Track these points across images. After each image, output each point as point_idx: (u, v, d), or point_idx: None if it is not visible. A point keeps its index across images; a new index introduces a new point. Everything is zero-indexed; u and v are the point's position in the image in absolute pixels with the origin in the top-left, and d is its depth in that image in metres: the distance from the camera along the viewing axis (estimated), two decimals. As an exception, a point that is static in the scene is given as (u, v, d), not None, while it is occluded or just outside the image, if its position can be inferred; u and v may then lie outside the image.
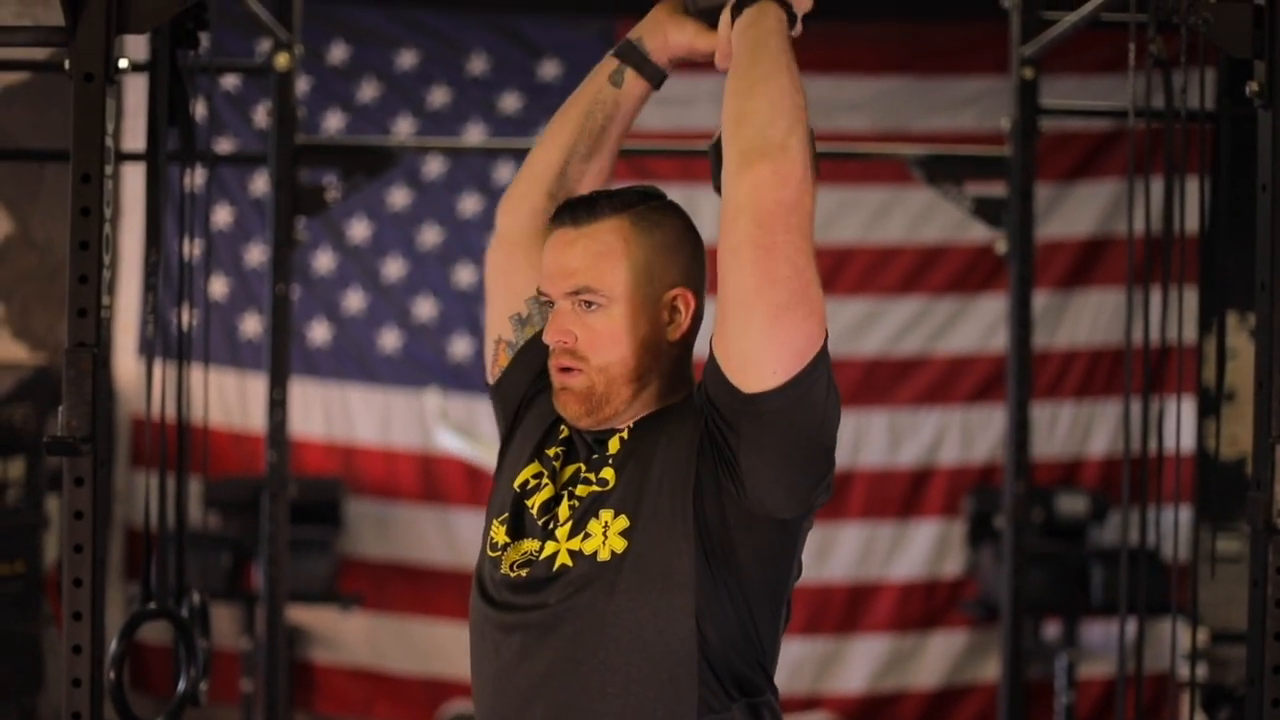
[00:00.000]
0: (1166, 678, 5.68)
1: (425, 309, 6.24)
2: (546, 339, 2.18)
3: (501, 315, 2.36)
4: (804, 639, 6.10)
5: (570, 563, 2.11)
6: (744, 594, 2.09)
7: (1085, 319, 6.22)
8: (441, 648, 6.13)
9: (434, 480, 6.20)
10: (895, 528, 6.22)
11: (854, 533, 6.20)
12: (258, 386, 5.87)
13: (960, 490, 6.17)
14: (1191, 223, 3.18)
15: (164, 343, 3.39)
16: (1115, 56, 5.66)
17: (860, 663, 6.19)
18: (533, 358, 2.31)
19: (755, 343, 2.01)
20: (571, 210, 2.19)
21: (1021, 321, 4.28)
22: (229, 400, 6.12)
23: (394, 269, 6.25)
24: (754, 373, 2.02)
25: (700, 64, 2.41)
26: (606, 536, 2.10)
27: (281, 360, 4.34)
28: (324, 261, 6.23)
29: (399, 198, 6.23)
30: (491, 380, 2.38)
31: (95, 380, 2.63)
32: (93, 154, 2.66)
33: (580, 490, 2.16)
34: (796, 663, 6.09)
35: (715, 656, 2.08)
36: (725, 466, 2.07)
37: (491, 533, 2.23)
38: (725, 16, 2.21)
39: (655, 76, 2.39)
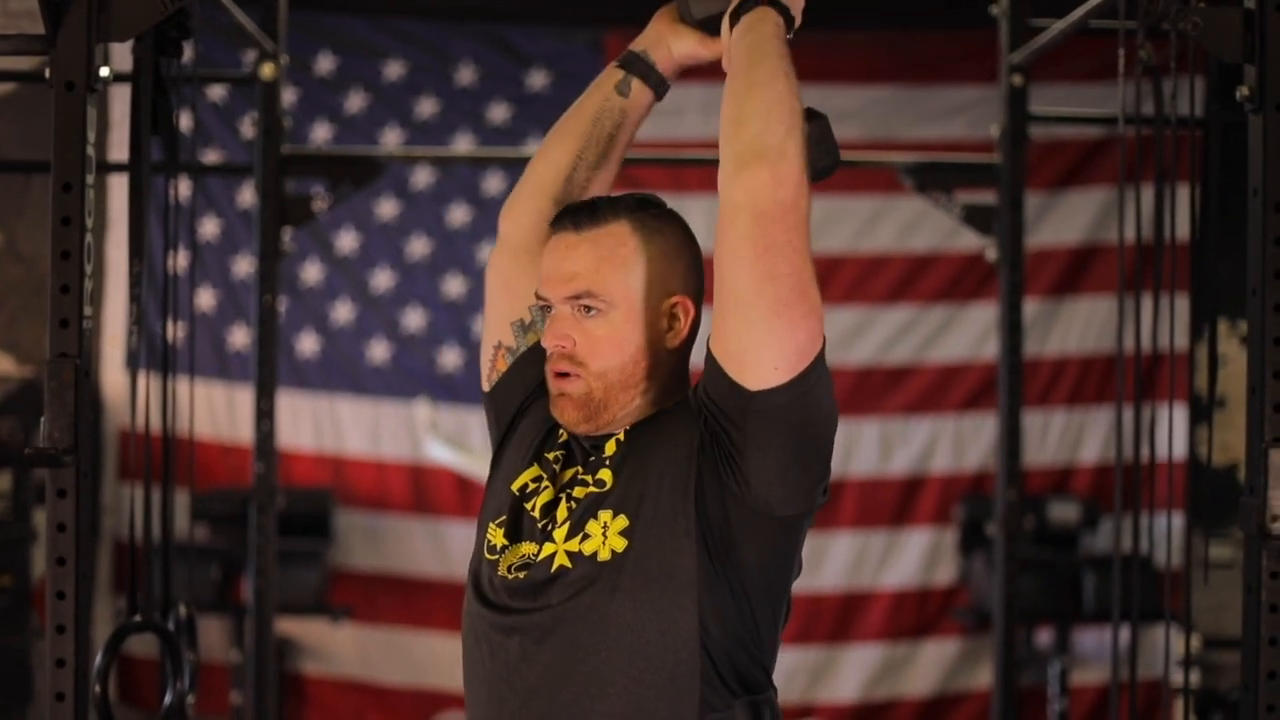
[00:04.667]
0: (1160, 684, 5.67)
1: (414, 320, 6.22)
2: (545, 343, 2.18)
3: (503, 320, 2.34)
4: (797, 648, 6.08)
5: (569, 564, 2.11)
6: (746, 590, 2.09)
7: (1076, 327, 6.21)
8: (432, 659, 6.11)
9: (424, 491, 6.18)
10: (887, 536, 6.21)
11: (846, 541, 6.19)
12: (246, 398, 5.82)
13: (952, 498, 6.16)
14: (1182, 229, 3.17)
15: (151, 354, 3.37)
16: (1105, 63, 5.63)
17: (853, 671, 6.18)
18: (531, 366, 2.29)
19: (756, 339, 2.01)
20: (572, 214, 2.18)
21: (1012, 329, 4.27)
22: (218, 412, 6.10)
23: (382, 280, 6.23)
24: (755, 370, 2.02)
25: (689, 74, 2.42)
26: (606, 537, 2.10)
27: (269, 371, 4.32)
28: (312, 272, 6.21)
29: (387, 208, 6.22)
30: (487, 386, 2.35)
31: (78, 391, 2.61)
32: (73, 163, 2.64)
33: (578, 492, 2.16)
34: (789, 671, 6.06)
35: (718, 653, 2.08)
36: (728, 464, 2.07)
37: (488, 535, 2.21)
38: (725, 23, 2.22)
39: (660, 87, 2.40)
